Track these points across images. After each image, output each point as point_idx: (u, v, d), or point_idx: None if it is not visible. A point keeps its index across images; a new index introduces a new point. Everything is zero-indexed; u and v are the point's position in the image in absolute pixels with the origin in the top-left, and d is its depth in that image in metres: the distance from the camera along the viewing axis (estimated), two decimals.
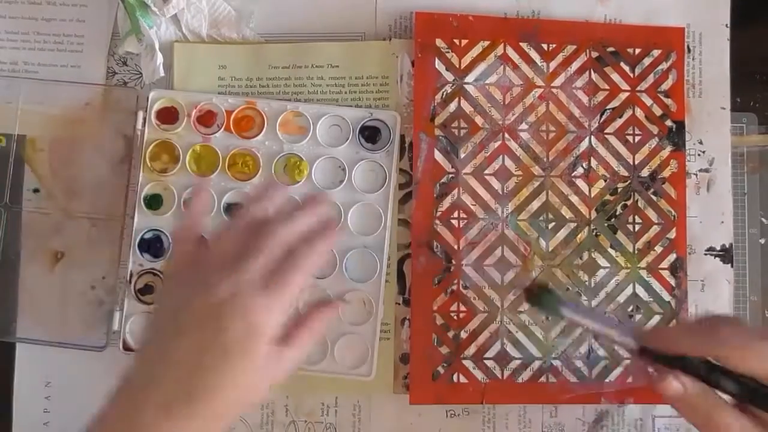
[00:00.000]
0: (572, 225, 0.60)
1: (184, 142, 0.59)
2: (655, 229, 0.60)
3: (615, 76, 0.61)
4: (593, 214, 0.60)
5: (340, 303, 0.57)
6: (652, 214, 0.60)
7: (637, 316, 0.60)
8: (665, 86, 0.61)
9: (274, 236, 0.45)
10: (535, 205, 0.60)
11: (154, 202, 0.59)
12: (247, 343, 0.42)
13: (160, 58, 0.59)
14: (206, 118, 0.59)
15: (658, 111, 0.61)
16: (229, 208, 0.59)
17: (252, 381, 0.43)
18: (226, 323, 0.42)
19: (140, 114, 0.59)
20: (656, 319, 0.60)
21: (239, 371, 0.42)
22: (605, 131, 0.61)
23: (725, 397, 0.44)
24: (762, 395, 0.43)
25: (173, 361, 0.42)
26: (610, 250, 0.60)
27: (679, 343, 0.45)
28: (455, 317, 0.59)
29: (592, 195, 0.60)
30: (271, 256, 0.45)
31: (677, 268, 0.60)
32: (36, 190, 0.60)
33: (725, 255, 0.61)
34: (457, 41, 0.60)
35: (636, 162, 0.60)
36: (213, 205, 0.58)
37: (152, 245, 0.59)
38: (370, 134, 0.59)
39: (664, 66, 0.61)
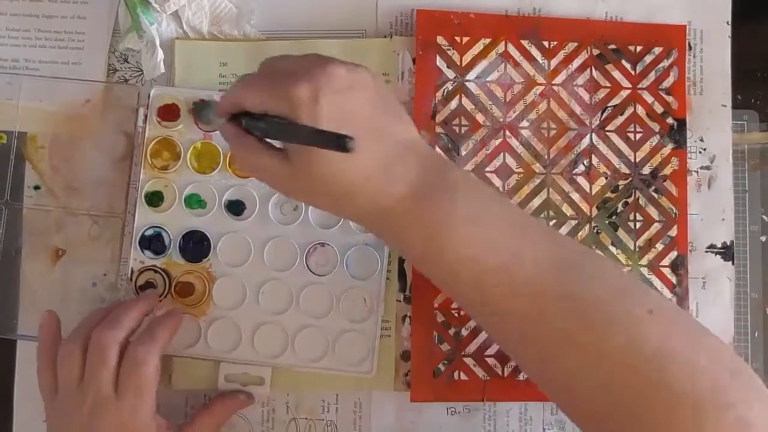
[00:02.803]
0: (573, 222, 0.60)
1: (185, 139, 0.59)
2: (656, 227, 0.60)
3: (616, 74, 0.61)
4: (594, 212, 0.60)
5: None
6: (653, 212, 0.60)
7: None
8: (666, 84, 0.61)
9: (106, 342, 0.51)
10: (536, 202, 0.60)
11: (155, 199, 0.59)
12: None
13: (160, 54, 0.59)
14: None
15: (659, 108, 0.61)
16: (230, 206, 0.59)
17: None
18: None
19: (141, 111, 0.59)
20: None
21: None
22: (606, 129, 0.61)
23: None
24: (275, 130, 0.46)
25: None
26: (611, 247, 0.60)
27: (223, 100, 0.48)
28: (456, 315, 0.59)
29: (593, 192, 0.60)
30: (114, 361, 0.50)
31: (678, 266, 0.60)
32: (37, 187, 0.60)
33: (726, 252, 0.61)
34: (458, 38, 0.60)
35: (637, 159, 0.60)
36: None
37: (153, 242, 0.59)
38: None
39: (666, 63, 0.61)
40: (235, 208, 0.59)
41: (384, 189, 0.46)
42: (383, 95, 0.47)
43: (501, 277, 0.46)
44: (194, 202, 0.59)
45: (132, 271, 0.59)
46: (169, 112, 0.59)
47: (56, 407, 0.52)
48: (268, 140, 0.48)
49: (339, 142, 0.41)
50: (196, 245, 0.59)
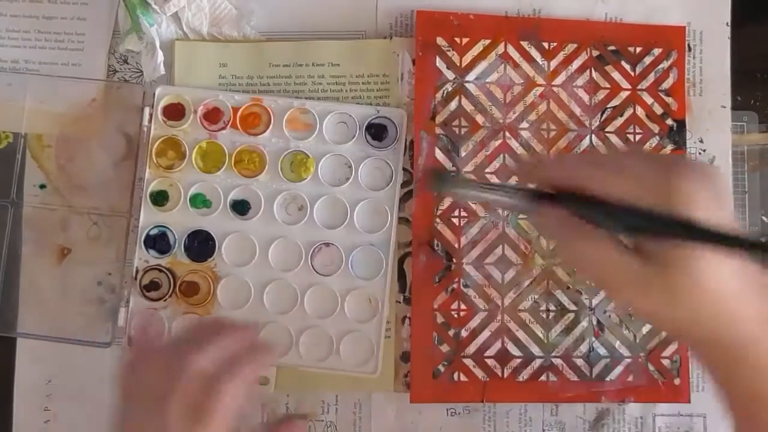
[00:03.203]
0: None
1: (191, 139, 0.59)
2: None
3: (616, 75, 0.61)
4: None
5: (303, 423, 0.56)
6: None
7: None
8: (666, 85, 0.61)
9: (190, 368, 0.45)
10: None
11: (160, 199, 0.59)
12: None
13: (160, 56, 0.59)
14: (213, 115, 0.59)
15: (658, 109, 0.61)
16: (236, 206, 0.59)
17: None
18: None
19: (146, 110, 0.59)
20: None
21: None
22: (606, 130, 0.61)
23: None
24: (639, 222, 0.37)
25: None
26: None
27: (548, 168, 0.42)
28: (456, 316, 0.59)
29: None
30: (190, 390, 0.45)
31: None
32: (43, 186, 0.60)
33: None
34: (458, 40, 0.60)
35: None
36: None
37: (158, 241, 0.59)
38: (377, 132, 0.59)
39: (665, 64, 0.61)
40: (240, 207, 0.59)
41: (754, 305, 0.38)
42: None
43: None
44: (199, 201, 0.59)
45: (137, 271, 0.59)
46: (174, 112, 0.59)
47: (130, 413, 0.47)
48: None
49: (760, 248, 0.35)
50: (201, 245, 0.59)
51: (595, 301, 0.60)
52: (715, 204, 0.37)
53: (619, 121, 0.61)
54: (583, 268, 0.43)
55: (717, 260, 0.37)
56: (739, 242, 0.36)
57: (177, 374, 0.45)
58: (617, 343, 0.59)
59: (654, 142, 0.61)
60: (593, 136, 0.61)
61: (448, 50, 0.60)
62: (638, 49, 0.61)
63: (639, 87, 0.61)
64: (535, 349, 0.59)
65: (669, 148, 0.61)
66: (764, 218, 0.62)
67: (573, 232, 0.40)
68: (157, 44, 0.59)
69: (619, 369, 0.59)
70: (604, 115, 0.61)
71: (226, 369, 0.46)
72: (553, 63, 0.61)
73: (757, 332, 0.38)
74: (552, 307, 0.59)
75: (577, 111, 0.60)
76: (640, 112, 0.61)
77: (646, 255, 0.38)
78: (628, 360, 0.59)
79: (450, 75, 0.60)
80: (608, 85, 0.61)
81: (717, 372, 0.40)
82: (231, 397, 0.45)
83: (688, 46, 0.62)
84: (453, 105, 0.60)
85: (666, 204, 0.37)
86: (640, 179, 0.38)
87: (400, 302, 0.59)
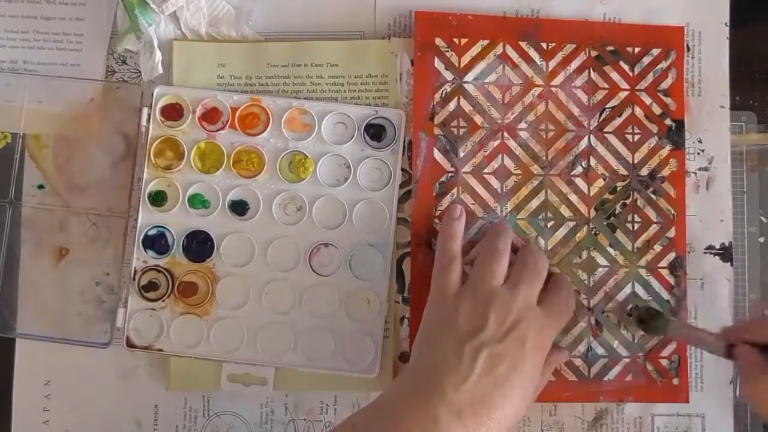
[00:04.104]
0: (571, 224, 0.60)
1: (189, 139, 0.59)
2: (654, 228, 0.60)
3: (614, 75, 0.61)
4: (592, 213, 0.60)
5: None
6: (651, 213, 0.60)
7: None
8: (665, 85, 0.61)
9: (539, 259, 0.55)
10: (534, 203, 0.60)
11: (158, 199, 0.59)
12: (536, 356, 0.51)
13: (158, 56, 0.59)
14: (211, 115, 0.59)
15: (657, 110, 0.61)
16: (234, 206, 0.59)
17: (533, 389, 0.52)
18: (523, 338, 0.51)
19: (145, 110, 0.59)
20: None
21: (528, 380, 0.50)
22: (604, 130, 0.61)
23: None
24: None
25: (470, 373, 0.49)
26: (609, 248, 0.60)
27: (757, 336, 0.49)
28: None
29: (591, 194, 0.60)
30: (539, 282, 0.54)
31: (676, 267, 0.60)
32: (41, 187, 0.60)
33: (724, 253, 0.61)
34: (456, 40, 0.60)
35: (635, 161, 0.61)
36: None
37: (156, 242, 0.59)
38: (375, 132, 0.59)
39: (664, 65, 0.61)
40: (239, 208, 0.59)
41: None
42: None
43: None
44: (198, 201, 0.59)
45: (135, 271, 0.59)
46: (172, 112, 0.59)
47: (461, 300, 0.52)
48: None
49: None
50: (199, 245, 0.59)
51: (593, 302, 0.60)
52: None
53: (618, 121, 0.61)
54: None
55: None
56: None
57: (530, 265, 0.54)
58: (616, 343, 0.59)
59: (653, 142, 0.61)
60: (591, 136, 0.61)
61: (447, 51, 0.60)
62: (637, 50, 0.61)
63: (638, 87, 0.61)
64: None
65: (668, 148, 0.61)
66: (763, 218, 0.62)
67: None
68: (156, 44, 0.59)
69: (617, 369, 0.59)
70: (603, 116, 0.61)
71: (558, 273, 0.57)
72: (552, 63, 0.61)
73: None
74: None
75: (576, 111, 0.60)
76: (638, 112, 0.61)
77: None
78: (627, 360, 0.59)
79: (448, 75, 0.60)
80: (607, 86, 0.61)
81: None
82: (569, 296, 0.57)
83: (687, 46, 0.62)
84: (451, 105, 0.60)
85: None
86: None
87: (398, 302, 0.59)
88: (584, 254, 0.60)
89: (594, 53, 0.61)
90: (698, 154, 0.61)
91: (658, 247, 0.60)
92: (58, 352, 0.59)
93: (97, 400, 0.59)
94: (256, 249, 0.59)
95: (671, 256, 0.60)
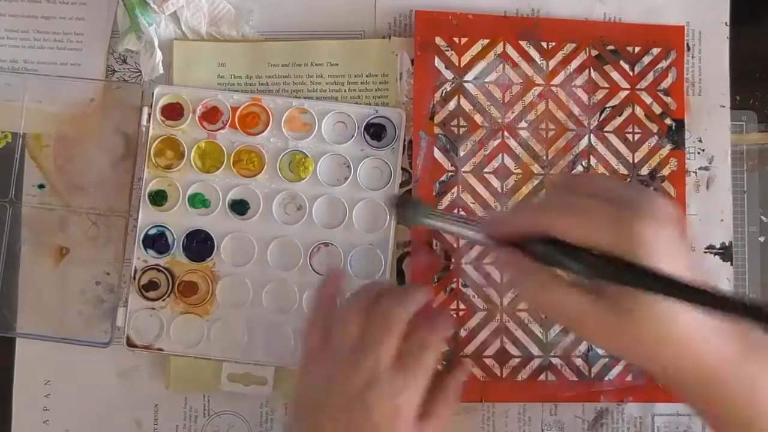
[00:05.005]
0: None
1: (189, 138, 0.59)
2: None
3: (614, 75, 0.61)
4: None
5: (467, 364, 0.58)
6: None
7: None
8: (665, 84, 0.61)
9: (396, 317, 0.48)
10: None
11: (158, 198, 0.59)
12: (394, 423, 0.46)
13: (159, 55, 0.59)
14: (211, 115, 0.59)
15: (657, 109, 0.61)
16: (234, 205, 0.59)
17: None
18: (372, 406, 0.46)
19: (145, 110, 0.59)
20: None
21: None
22: (605, 129, 0.61)
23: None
24: (598, 267, 0.39)
25: None
26: None
27: (509, 222, 0.44)
28: (454, 315, 0.59)
29: None
30: (398, 337, 0.47)
31: None
32: (41, 186, 0.60)
33: (725, 253, 0.61)
34: (456, 39, 0.60)
35: (635, 160, 0.61)
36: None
37: (156, 241, 0.59)
38: (375, 131, 0.59)
39: (664, 64, 0.61)
40: (239, 207, 0.59)
41: (713, 344, 0.40)
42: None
43: None
44: (198, 201, 0.59)
45: (135, 270, 0.59)
46: (173, 111, 0.59)
47: (320, 365, 0.49)
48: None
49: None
50: (199, 244, 0.59)
51: None
52: (673, 251, 0.38)
53: (618, 120, 0.61)
54: (544, 308, 0.47)
55: (674, 307, 0.38)
56: (692, 293, 0.37)
57: (386, 325, 0.47)
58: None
59: (653, 141, 0.61)
60: (592, 135, 0.61)
61: (447, 50, 0.60)
62: (637, 49, 0.61)
63: (638, 86, 0.61)
64: (534, 349, 0.59)
65: (668, 147, 0.61)
66: (763, 218, 0.62)
67: (534, 277, 0.42)
68: (156, 44, 0.59)
69: (617, 368, 0.59)
70: (603, 115, 0.61)
71: (432, 326, 0.48)
72: (552, 63, 0.61)
73: (720, 370, 0.40)
74: None
75: (576, 111, 0.60)
76: (638, 111, 0.61)
77: (607, 298, 0.40)
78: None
79: (449, 75, 0.60)
80: (607, 85, 0.61)
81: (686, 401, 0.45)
82: (434, 351, 0.48)
83: (687, 45, 0.62)
84: (452, 105, 0.60)
85: (623, 250, 0.38)
86: (598, 223, 0.39)
87: None
88: None
89: (594, 52, 0.61)
90: (698, 153, 0.61)
91: None
92: (58, 352, 0.59)
93: (97, 399, 0.59)
94: (256, 248, 0.59)
95: None
